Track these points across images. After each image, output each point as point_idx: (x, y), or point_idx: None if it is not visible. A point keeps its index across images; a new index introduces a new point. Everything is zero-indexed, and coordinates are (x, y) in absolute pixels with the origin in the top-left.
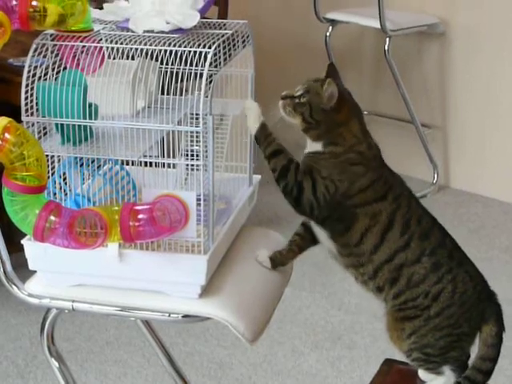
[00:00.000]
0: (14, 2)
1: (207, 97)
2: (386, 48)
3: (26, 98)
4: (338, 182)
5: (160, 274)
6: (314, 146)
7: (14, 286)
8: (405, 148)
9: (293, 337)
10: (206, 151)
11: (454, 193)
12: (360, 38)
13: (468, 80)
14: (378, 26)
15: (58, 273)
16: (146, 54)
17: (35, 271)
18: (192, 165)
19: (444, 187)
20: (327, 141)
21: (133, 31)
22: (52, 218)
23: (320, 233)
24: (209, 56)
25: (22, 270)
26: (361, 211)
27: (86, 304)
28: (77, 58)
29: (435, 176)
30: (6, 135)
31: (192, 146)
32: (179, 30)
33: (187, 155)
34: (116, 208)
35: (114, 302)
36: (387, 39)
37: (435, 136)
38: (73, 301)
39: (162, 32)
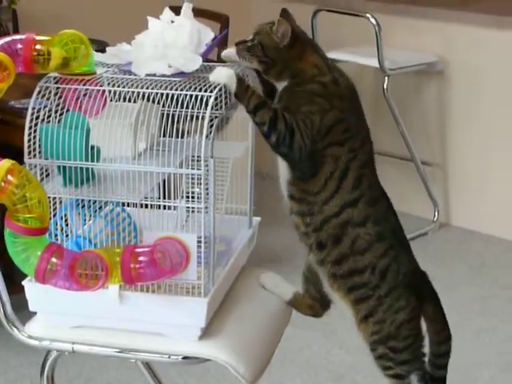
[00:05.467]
0: (19, 46)
1: (209, 139)
2: (385, 86)
3: (29, 141)
4: (311, 115)
5: (160, 316)
6: (280, 86)
7: (14, 328)
8: (405, 186)
9: (294, 377)
10: (207, 193)
11: (455, 230)
12: (359, 76)
13: (467, 118)
14: (377, 65)
15: (58, 314)
16: (148, 97)
17: (35, 312)
18: (193, 207)
19: (445, 225)
20: (289, 77)
21: (135, 74)
22: (53, 259)
23: (284, 175)
24: (210, 100)
25: (22, 311)
26: (327, 153)
27: (86, 346)
28: (80, 100)
29: (436, 214)
30: (9, 177)
31: (192, 188)
32: (181, 74)
33: (187, 197)
34: (117, 250)
35: (113, 343)
36: (386, 78)
37: (435, 174)
38: (73, 342)
39: (164, 75)
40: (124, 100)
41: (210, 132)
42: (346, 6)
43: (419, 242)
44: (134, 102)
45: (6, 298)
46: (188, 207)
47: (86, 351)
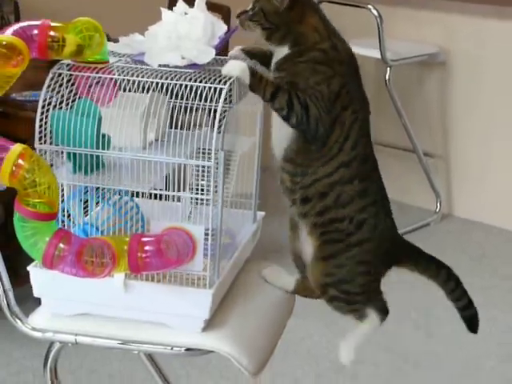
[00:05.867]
0: (35, 32)
1: (220, 132)
2: (387, 78)
3: (41, 126)
4: (317, 86)
5: (164, 306)
6: (281, 52)
7: (17, 320)
8: (407, 177)
9: (295, 367)
10: (216, 186)
11: (457, 221)
12: (361, 67)
13: (469, 108)
14: (379, 56)
15: (62, 300)
16: (161, 87)
17: (38, 305)
18: (200, 199)
19: (447, 216)
20: (291, 42)
21: (147, 65)
22: (61, 245)
23: (285, 140)
24: (223, 92)
25: (26, 303)
26: (339, 120)
27: (89, 337)
28: (91, 88)
29: (438, 204)
30: (20, 161)
31: (200, 180)
32: (194, 65)
33: (194, 189)
34: (125, 238)
35: (116, 335)
36: (388, 69)
37: (437, 165)
38: (76, 334)
39: (177, 67)
40: (136, 90)
41: (221, 125)
42: None
43: (421, 233)
44: (147, 92)
45: (9, 290)
46: (196, 199)
47: (89, 343)
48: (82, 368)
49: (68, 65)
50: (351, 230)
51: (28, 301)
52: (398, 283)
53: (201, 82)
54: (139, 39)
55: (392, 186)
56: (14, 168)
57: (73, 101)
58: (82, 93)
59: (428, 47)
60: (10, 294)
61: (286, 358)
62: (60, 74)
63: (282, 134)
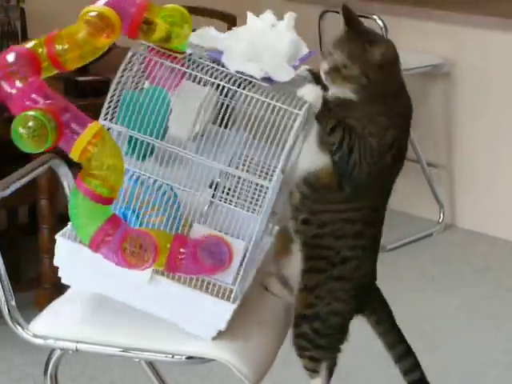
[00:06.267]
0: (132, 10)
1: (287, 154)
2: None
3: (110, 101)
4: (370, 137)
5: (184, 308)
6: (342, 93)
7: (18, 326)
8: (411, 187)
9: (297, 376)
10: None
11: (461, 232)
12: None
13: (474, 119)
14: None
15: (81, 276)
16: (234, 94)
17: (38, 312)
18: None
19: (450, 226)
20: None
21: (223, 64)
22: (110, 231)
23: (312, 164)
24: (299, 118)
25: (27, 309)
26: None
27: (90, 345)
28: (160, 75)
29: (441, 215)
30: (93, 140)
31: (226, 182)
32: (268, 80)
33: (211, 188)
34: (168, 236)
35: (117, 342)
36: None
37: (441, 175)
38: (76, 341)
39: (253, 77)
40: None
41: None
42: (353, 8)
43: (424, 243)
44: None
45: (10, 296)
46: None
47: (89, 350)
48: (83, 375)
49: (148, 47)
50: (336, 261)
51: (30, 307)
52: (402, 292)
53: (278, 100)
54: (214, 33)
55: (395, 196)
56: (87, 146)
57: (142, 83)
58: (152, 77)
59: (432, 58)
60: (12, 301)
61: (288, 367)
62: (141, 54)
63: (316, 161)
